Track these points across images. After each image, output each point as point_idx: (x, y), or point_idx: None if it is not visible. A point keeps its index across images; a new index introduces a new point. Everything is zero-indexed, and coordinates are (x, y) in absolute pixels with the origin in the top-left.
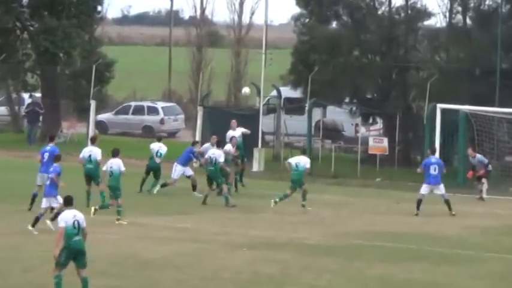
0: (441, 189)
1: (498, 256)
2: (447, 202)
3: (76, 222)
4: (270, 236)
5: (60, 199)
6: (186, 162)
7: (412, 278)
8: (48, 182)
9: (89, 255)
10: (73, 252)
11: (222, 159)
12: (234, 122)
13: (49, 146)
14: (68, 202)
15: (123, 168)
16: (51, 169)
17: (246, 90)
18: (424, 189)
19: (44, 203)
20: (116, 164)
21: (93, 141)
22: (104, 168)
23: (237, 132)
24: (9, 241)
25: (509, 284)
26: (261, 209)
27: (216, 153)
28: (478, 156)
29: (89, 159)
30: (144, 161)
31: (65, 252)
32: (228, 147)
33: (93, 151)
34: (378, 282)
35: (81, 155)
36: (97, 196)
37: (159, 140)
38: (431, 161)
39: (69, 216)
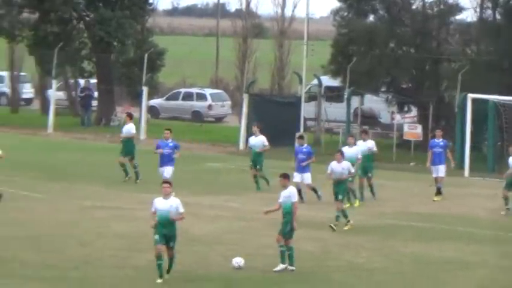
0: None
1: None
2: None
3: None
4: (311, 215)
5: None
6: None
7: (444, 256)
8: None
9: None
10: None
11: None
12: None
13: None
14: None
15: None
16: None
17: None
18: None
19: None
20: None
21: None
22: None
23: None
24: (67, 217)
25: None
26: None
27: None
28: None
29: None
30: (193, 144)
31: None
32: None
33: None
34: (412, 259)
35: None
36: None
37: None
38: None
39: None
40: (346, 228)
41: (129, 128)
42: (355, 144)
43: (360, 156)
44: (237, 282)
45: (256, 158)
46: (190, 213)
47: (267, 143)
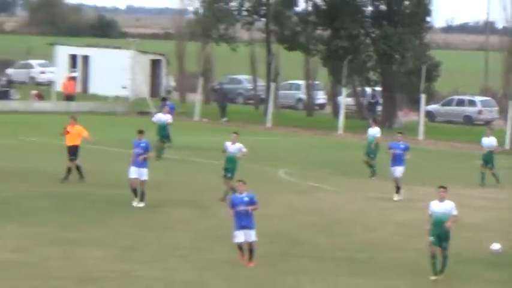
0: None
1: None
2: None
3: None
4: None
5: None
6: None
7: None
8: None
9: (414, 219)
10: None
11: None
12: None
13: None
14: None
15: None
16: None
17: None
18: None
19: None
20: None
21: None
22: None
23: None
24: (355, 207)
25: None
26: None
27: None
28: None
29: None
30: (464, 144)
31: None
32: None
33: None
34: None
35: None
36: None
37: None
38: None
39: None
40: None
41: (375, 132)
42: None
43: None
44: (498, 265)
45: (488, 157)
46: (461, 203)
47: (496, 144)
